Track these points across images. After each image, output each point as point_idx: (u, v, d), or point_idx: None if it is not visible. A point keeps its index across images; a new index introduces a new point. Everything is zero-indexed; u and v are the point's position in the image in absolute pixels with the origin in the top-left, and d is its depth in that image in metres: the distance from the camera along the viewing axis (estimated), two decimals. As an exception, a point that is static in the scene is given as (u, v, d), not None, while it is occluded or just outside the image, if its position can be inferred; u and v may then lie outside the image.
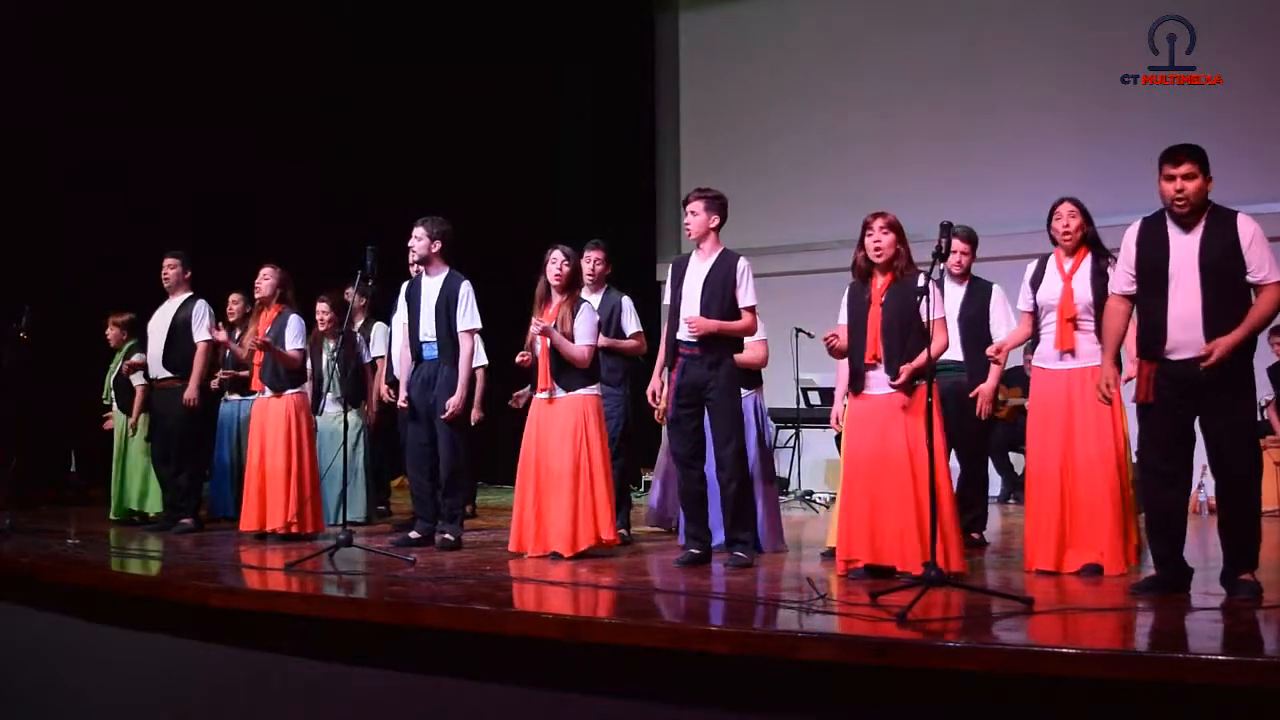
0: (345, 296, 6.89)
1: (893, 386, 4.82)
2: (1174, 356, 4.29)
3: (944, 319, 5.05)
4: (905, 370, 4.78)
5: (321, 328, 7.22)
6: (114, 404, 7.93)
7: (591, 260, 6.41)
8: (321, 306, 7.22)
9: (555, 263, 5.75)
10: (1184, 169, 4.27)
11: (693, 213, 5.52)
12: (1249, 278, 4.22)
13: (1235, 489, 4.28)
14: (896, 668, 3.42)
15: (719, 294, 5.42)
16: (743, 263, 5.49)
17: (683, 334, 5.45)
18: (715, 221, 5.52)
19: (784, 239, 10.47)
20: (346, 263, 6.09)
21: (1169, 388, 4.30)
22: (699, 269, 5.52)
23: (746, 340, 5.75)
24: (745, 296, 5.46)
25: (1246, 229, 4.25)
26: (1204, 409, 4.26)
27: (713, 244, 5.54)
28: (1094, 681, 3.25)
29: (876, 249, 4.93)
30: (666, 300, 5.65)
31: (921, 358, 4.64)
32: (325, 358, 7.11)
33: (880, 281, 4.96)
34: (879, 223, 4.94)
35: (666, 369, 5.59)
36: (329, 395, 7.22)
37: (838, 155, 11.08)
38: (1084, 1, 10.19)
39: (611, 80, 12.32)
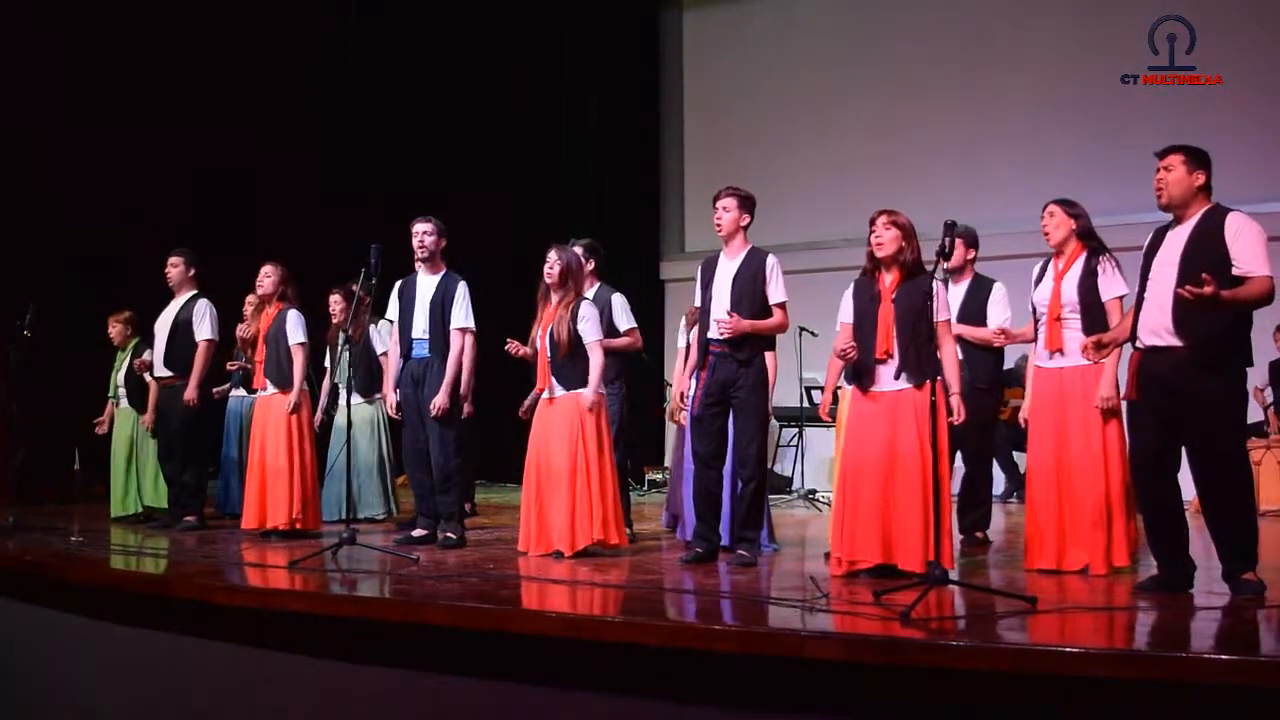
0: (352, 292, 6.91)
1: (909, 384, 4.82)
2: (1146, 342, 4.36)
3: (949, 321, 5.04)
4: (956, 402, 4.86)
5: (335, 320, 7.61)
6: (118, 402, 7.94)
7: None
8: (335, 297, 7.61)
9: (547, 262, 5.76)
10: (1165, 161, 4.40)
11: (724, 209, 5.50)
12: (1234, 270, 4.19)
13: (1219, 491, 4.26)
14: (901, 666, 3.43)
15: (749, 292, 5.40)
16: (772, 259, 5.47)
17: (713, 333, 5.42)
18: (746, 220, 5.51)
19: (788, 237, 10.43)
20: (347, 262, 6.07)
21: (1152, 385, 4.34)
22: (728, 268, 5.50)
23: None
24: (775, 293, 5.43)
25: (1234, 223, 4.26)
26: (1186, 408, 4.25)
27: (741, 242, 5.52)
28: (1097, 680, 3.25)
29: (878, 243, 4.95)
30: (697, 301, 5.63)
31: (952, 375, 4.82)
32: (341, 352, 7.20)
33: (889, 278, 4.96)
34: (881, 219, 4.96)
35: (697, 369, 5.56)
36: (342, 388, 7.23)
37: (842, 154, 11.10)
38: (1084, 1, 10.21)
39: (615, 79, 12.31)
